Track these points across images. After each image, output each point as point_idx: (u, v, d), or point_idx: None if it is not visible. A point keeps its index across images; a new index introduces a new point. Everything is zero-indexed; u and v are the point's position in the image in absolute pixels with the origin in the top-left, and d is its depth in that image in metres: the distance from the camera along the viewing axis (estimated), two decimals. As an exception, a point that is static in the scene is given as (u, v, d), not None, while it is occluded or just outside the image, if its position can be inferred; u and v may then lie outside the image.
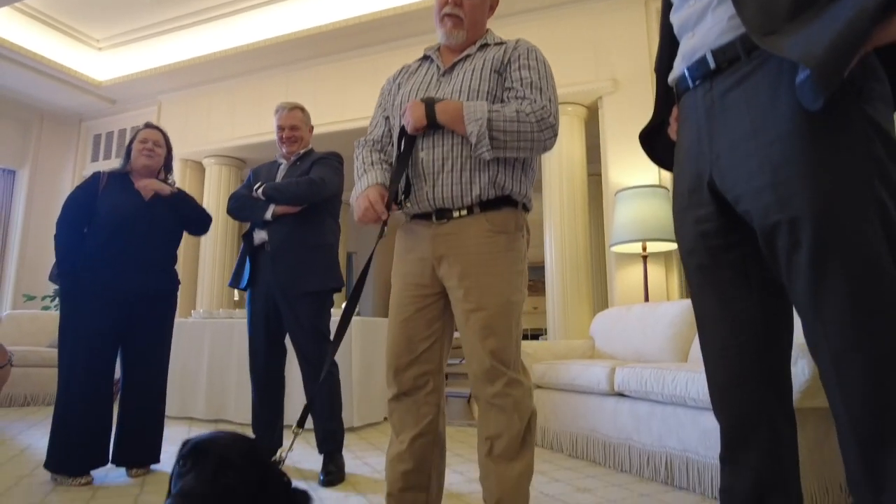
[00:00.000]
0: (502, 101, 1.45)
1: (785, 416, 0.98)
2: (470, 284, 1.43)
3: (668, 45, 1.12)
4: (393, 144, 1.59)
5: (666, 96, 1.15)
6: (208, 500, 0.97)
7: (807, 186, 0.80)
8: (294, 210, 2.52)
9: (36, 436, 3.34)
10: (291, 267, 2.48)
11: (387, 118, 1.63)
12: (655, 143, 1.24)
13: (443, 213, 1.48)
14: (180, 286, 2.69)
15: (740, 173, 0.89)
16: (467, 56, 1.53)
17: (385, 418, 4.09)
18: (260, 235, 2.57)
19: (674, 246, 4.15)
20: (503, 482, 1.38)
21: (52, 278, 2.46)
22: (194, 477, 0.98)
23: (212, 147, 5.98)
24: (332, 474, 2.35)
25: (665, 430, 2.31)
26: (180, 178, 6.23)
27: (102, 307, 2.34)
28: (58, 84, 6.03)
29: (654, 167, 4.33)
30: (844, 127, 0.78)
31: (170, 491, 1.03)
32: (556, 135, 1.42)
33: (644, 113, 1.32)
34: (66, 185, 6.77)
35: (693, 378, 2.15)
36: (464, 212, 1.46)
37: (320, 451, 2.46)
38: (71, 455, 2.26)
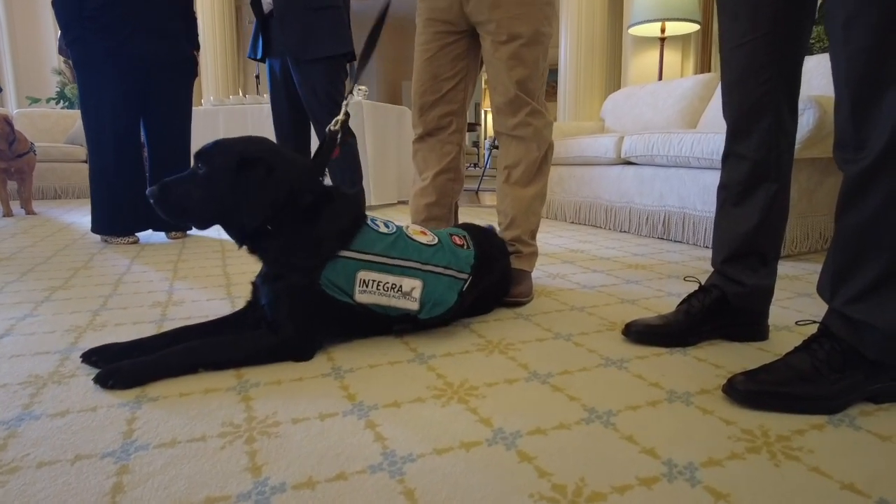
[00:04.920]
0: None
1: (790, 107, 1.05)
2: (500, 15, 1.42)
3: None
4: None
5: None
6: (174, 187, 1.08)
7: None
8: None
9: (77, 215, 3.58)
10: (297, 32, 2.41)
11: None
12: None
13: None
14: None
15: None
16: None
17: (399, 201, 4.31)
18: (266, 1, 2.47)
19: (693, 27, 3.96)
20: (518, 202, 1.52)
21: (60, 50, 2.44)
22: (184, 175, 1.09)
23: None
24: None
25: (667, 188, 2.45)
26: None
27: (117, 73, 2.34)
28: None
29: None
30: None
31: None
32: None
33: None
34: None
35: (699, 139, 2.22)
36: None
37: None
38: (114, 217, 2.45)
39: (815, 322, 0.94)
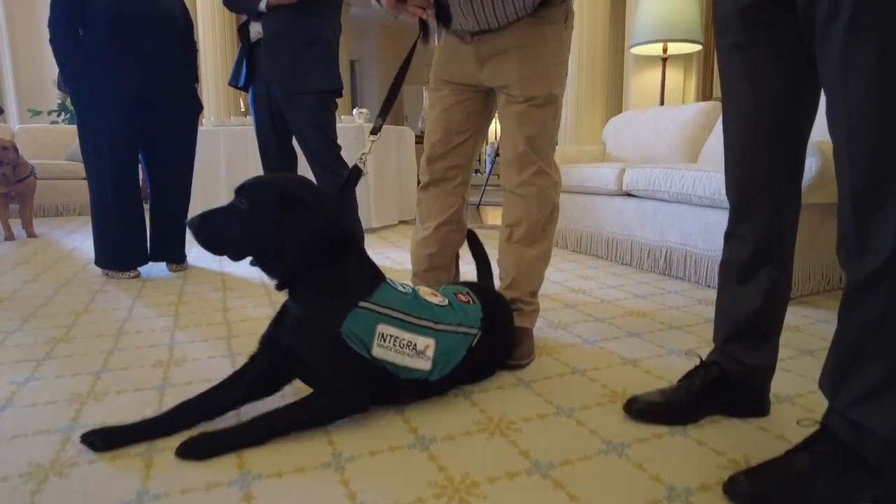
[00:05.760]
0: None
1: (793, 190, 1.05)
2: (515, 79, 1.43)
3: None
4: None
5: None
6: (214, 220, 1.10)
7: None
8: (289, 1, 2.38)
9: (77, 239, 3.59)
10: (288, 64, 2.39)
11: None
12: None
13: (480, 33, 1.45)
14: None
15: None
16: None
17: (400, 221, 4.31)
18: (255, 29, 2.45)
19: (695, 48, 3.95)
20: (519, 263, 1.52)
21: (59, 86, 2.42)
22: (227, 206, 1.11)
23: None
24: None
25: (668, 223, 2.45)
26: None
27: (115, 108, 2.33)
28: None
29: (685, -46, 3.94)
30: None
31: None
32: None
33: None
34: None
35: (701, 177, 2.22)
36: (505, 22, 1.41)
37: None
38: (116, 252, 2.46)
39: (816, 423, 0.94)
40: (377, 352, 1.11)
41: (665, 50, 3.95)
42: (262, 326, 1.77)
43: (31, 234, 3.66)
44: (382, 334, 1.11)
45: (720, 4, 1.02)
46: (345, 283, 1.13)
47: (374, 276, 1.19)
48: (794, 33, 0.92)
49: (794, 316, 1.86)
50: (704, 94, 4.24)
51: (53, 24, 2.29)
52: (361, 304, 1.12)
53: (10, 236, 3.54)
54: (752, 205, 1.07)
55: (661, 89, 4.00)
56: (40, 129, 5.24)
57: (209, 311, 1.98)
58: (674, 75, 4.26)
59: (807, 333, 1.70)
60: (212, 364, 1.49)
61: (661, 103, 4.01)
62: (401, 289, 1.21)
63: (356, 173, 1.31)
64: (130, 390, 1.32)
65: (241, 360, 1.50)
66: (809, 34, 0.87)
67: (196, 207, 3.38)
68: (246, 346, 1.62)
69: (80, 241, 3.53)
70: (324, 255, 1.13)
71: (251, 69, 2.53)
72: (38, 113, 6.19)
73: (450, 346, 1.20)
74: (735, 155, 1.07)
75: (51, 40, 2.30)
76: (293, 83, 2.41)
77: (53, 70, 6.46)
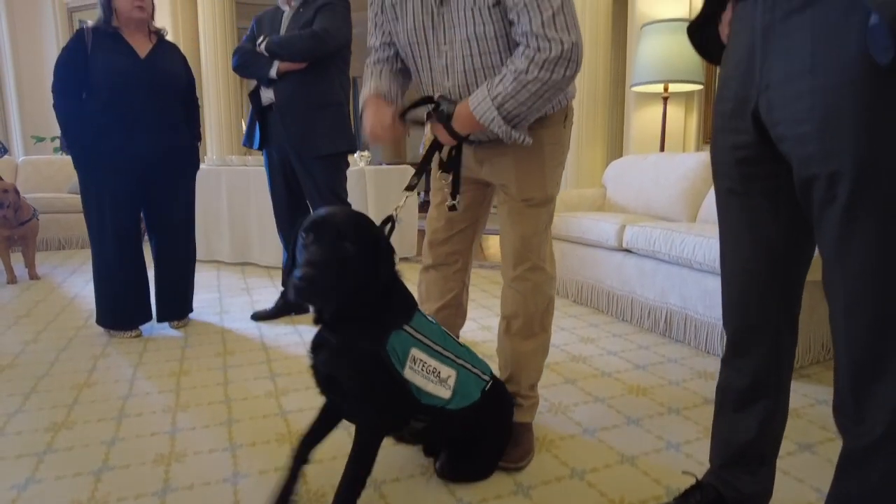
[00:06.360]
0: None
1: (790, 329, 1.05)
2: (513, 180, 1.44)
3: None
4: (400, 62, 1.49)
5: None
6: (331, 268, 1.04)
7: (855, 142, 0.76)
8: (299, 67, 2.41)
9: (79, 283, 3.60)
10: (300, 128, 2.44)
11: (388, 44, 1.47)
12: (705, 37, 1.13)
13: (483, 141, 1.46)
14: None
15: (788, 113, 0.84)
16: None
17: (401, 258, 4.31)
18: (267, 95, 2.49)
19: (697, 87, 3.96)
20: (517, 356, 1.53)
21: (62, 148, 2.44)
22: (318, 247, 1.05)
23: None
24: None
25: (668, 286, 2.45)
26: (170, 9, 5.78)
27: (117, 172, 2.35)
28: None
29: (685, -4, 3.96)
30: None
31: (293, 261, 1.14)
32: (572, 59, 1.20)
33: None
34: (47, 11, 6.36)
35: (700, 243, 2.22)
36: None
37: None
38: (117, 312, 2.47)
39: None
40: (408, 373, 1.18)
41: (666, 89, 3.97)
42: (261, 407, 1.80)
43: (33, 276, 3.67)
44: (414, 357, 1.19)
45: (718, 150, 1.03)
46: (391, 310, 1.20)
47: (412, 304, 1.27)
48: (793, 188, 0.93)
49: (794, 394, 1.86)
50: (706, 132, 4.25)
51: (57, 90, 2.31)
52: (404, 327, 1.20)
53: (12, 279, 3.56)
54: (749, 343, 1.07)
55: (661, 130, 4.01)
56: (44, 161, 5.27)
57: (210, 384, 1.99)
58: (675, 112, 4.27)
59: (806, 420, 1.70)
60: (213, 460, 1.49)
61: (662, 142, 4.02)
62: (430, 319, 1.30)
63: (391, 225, 1.31)
64: (131, 497, 1.33)
65: (242, 453, 1.52)
66: (807, 210, 0.87)
67: (199, 245, 3.37)
68: (246, 434, 1.62)
69: (82, 285, 3.55)
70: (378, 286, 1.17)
71: (264, 131, 2.56)
72: (41, 139, 6.21)
73: (467, 382, 1.29)
74: (732, 294, 1.08)
75: (54, 105, 2.32)
76: (306, 148, 2.46)
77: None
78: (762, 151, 0.94)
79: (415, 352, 1.19)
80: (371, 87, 1.48)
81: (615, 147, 5.23)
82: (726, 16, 1.04)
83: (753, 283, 1.03)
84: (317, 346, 1.22)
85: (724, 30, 1.04)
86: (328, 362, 1.19)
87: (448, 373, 1.25)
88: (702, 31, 1.13)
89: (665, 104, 4.03)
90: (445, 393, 1.23)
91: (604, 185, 3.60)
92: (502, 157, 1.45)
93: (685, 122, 4.27)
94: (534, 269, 1.49)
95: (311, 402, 1.83)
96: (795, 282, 1.03)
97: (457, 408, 1.26)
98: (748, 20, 0.92)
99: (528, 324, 1.52)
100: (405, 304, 1.24)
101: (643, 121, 4.33)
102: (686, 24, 1.13)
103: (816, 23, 0.80)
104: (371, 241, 1.13)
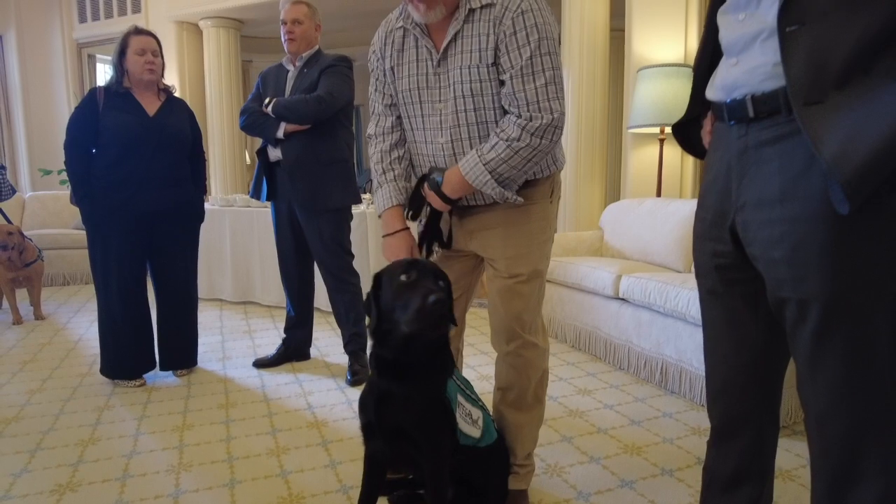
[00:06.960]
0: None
1: (771, 420, 1.10)
2: (501, 255, 1.47)
3: (711, 46, 1.03)
4: (401, 129, 1.55)
5: (702, 96, 1.09)
6: (449, 302, 1.24)
7: (822, 274, 0.81)
8: (304, 127, 2.48)
9: (83, 324, 3.64)
10: (309, 185, 2.51)
11: (390, 105, 1.52)
12: (690, 135, 1.19)
13: (468, 208, 1.51)
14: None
15: (760, 236, 0.89)
16: (457, 33, 1.34)
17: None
18: (274, 153, 2.57)
19: (692, 128, 4.04)
20: (512, 428, 1.56)
21: (73, 202, 2.50)
22: (431, 280, 1.23)
23: (207, 7, 5.62)
24: (358, 374, 2.61)
25: (664, 338, 2.49)
26: (177, 44, 5.92)
27: (124, 227, 2.42)
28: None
29: (680, 39, 4.07)
30: (876, 214, 0.77)
31: (371, 304, 1.29)
32: (559, 126, 1.30)
33: None
34: (57, 47, 6.51)
35: (694, 297, 2.26)
36: (491, 200, 1.45)
37: (346, 352, 2.70)
38: (122, 362, 2.51)
39: None
40: (457, 415, 1.33)
41: (662, 131, 4.04)
42: (263, 467, 1.83)
43: (38, 317, 3.72)
44: (458, 402, 1.34)
45: (698, 253, 1.08)
46: (446, 362, 1.36)
47: (451, 356, 1.41)
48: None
49: (786, 454, 1.88)
50: (702, 174, 4.32)
51: (68, 146, 2.39)
52: (454, 376, 1.35)
53: (17, 320, 3.60)
54: (732, 433, 1.11)
55: (658, 172, 4.08)
56: (50, 197, 5.35)
57: (213, 440, 2.02)
58: (672, 154, 4.34)
59: (798, 483, 1.73)
60: (214, 528, 1.52)
61: (659, 184, 4.08)
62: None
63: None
64: (134, 571, 1.35)
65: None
66: (781, 323, 0.92)
67: (201, 284, 3.41)
68: (248, 497, 1.65)
69: (87, 326, 3.59)
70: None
71: (272, 185, 2.64)
72: (48, 172, 6.31)
73: (489, 422, 1.44)
74: (715, 386, 1.12)
75: (66, 161, 2.40)
76: (314, 204, 2.52)
77: (64, 130, 6.61)
78: (741, 260, 0.99)
79: (459, 397, 1.34)
80: (388, 194, 1.52)
81: (614, 186, 5.30)
82: (707, 123, 1.10)
83: (735, 376, 1.08)
84: (380, 399, 1.29)
85: (705, 136, 1.10)
86: (397, 413, 1.28)
87: (477, 414, 1.39)
88: (687, 130, 1.19)
89: (661, 145, 4.11)
90: (476, 433, 1.36)
91: (601, 227, 3.66)
92: (491, 231, 1.48)
93: (682, 162, 4.34)
94: (526, 346, 1.52)
95: (311, 461, 1.86)
96: (775, 376, 1.08)
97: (485, 445, 1.40)
98: (726, 140, 0.97)
99: (521, 396, 1.55)
100: (450, 355, 1.39)
101: (641, 161, 4.41)
102: (680, 69, 1.20)
103: (784, 157, 0.85)
104: (448, 288, 1.29)
